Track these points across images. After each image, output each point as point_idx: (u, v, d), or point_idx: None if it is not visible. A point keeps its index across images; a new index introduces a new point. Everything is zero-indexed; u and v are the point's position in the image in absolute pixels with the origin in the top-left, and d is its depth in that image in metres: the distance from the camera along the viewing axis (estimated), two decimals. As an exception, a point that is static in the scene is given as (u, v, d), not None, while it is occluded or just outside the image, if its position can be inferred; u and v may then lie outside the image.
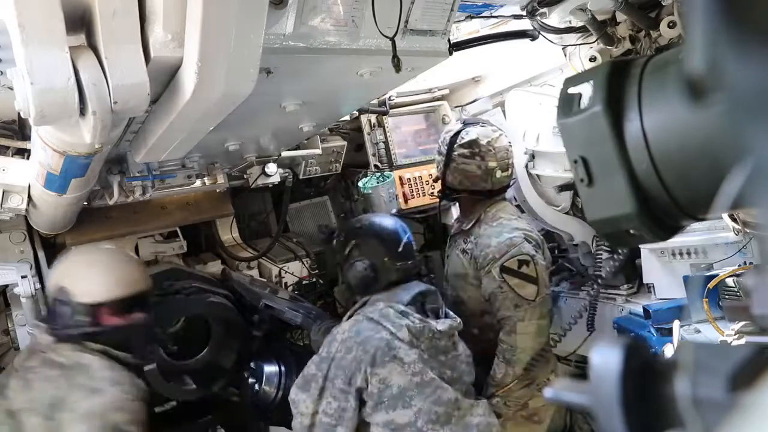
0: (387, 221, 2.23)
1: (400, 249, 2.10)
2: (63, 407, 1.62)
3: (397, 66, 1.39)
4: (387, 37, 1.36)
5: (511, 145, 2.53)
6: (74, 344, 1.76)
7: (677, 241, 2.42)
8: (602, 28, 2.22)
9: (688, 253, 2.48)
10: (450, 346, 2.04)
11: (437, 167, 2.58)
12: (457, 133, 2.46)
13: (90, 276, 1.86)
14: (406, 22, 1.46)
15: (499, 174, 2.44)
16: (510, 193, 2.90)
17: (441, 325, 2.01)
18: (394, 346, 1.86)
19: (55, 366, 1.71)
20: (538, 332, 2.25)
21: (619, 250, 2.36)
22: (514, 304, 2.24)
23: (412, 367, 1.86)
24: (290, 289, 2.91)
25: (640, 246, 2.57)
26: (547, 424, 2.49)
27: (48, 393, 1.65)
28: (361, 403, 1.87)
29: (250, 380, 2.68)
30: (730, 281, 2.03)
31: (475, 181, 2.43)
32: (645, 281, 2.69)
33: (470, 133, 2.45)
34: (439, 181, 2.59)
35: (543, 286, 2.28)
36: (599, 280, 2.47)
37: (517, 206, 2.89)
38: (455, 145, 2.43)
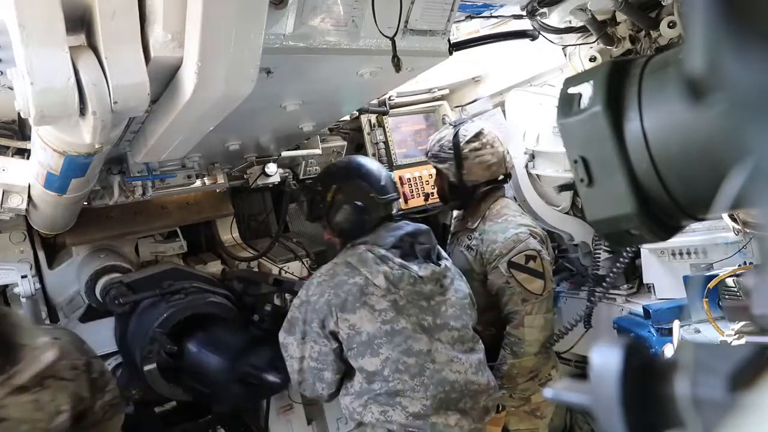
0: (361, 159, 2.19)
1: (382, 182, 2.07)
2: None
3: (397, 66, 1.39)
4: (387, 37, 1.37)
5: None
6: None
7: (677, 241, 2.42)
8: (602, 28, 2.22)
9: (688, 253, 2.48)
10: (437, 290, 1.98)
11: (446, 170, 2.51)
12: (455, 133, 2.47)
13: None
14: (406, 22, 1.46)
15: (508, 158, 2.53)
16: (510, 193, 2.90)
17: (423, 270, 1.95)
18: (367, 292, 1.84)
19: None
20: (544, 325, 2.30)
21: (626, 250, 2.38)
22: (522, 299, 2.28)
23: (382, 315, 1.83)
24: (290, 289, 2.91)
25: (640, 246, 2.58)
26: (548, 420, 2.51)
27: None
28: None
29: None
30: (730, 281, 2.03)
31: (493, 169, 2.46)
32: (645, 281, 2.69)
33: (471, 128, 2.48)
34: (436, 188, 2.61)
35: (549, 280, 2.32)
36: (606, 280, 2.49)
37: (520, 211, 2.90)
38: (462, 143, 2.44)
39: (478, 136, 2.45)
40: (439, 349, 1.90)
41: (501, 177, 2.50)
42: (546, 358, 2.40)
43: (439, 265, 2.03)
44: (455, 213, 2.98)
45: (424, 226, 2.08)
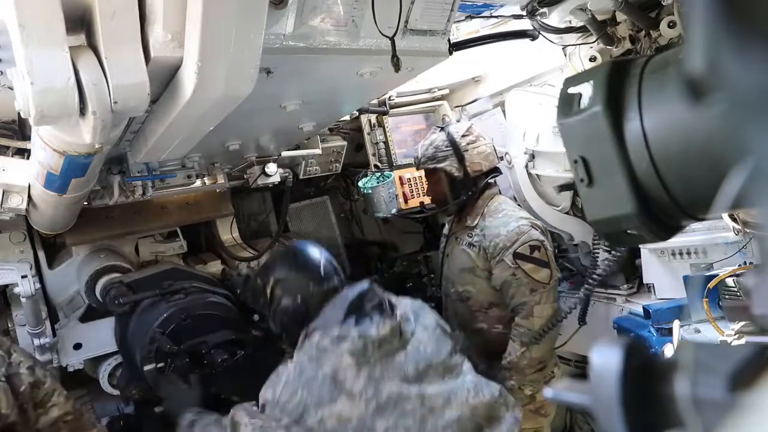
0: (296, 249, 2.11)
1: (322, 271, 1.98)
2: None
3: (396, 65, 1.39)
4: (387, 36, 1.36)
5: None
6: None
7: (677, 241, 2.42)
8: (602, 28, 2.22)
9: (688, 253, 2.48)
10: (405, 339, 1.87)
11: (446, 170, 2.51)
12: (448, 132, 2.53)
13: None
14: (406, 22, 1.46)
15: (496, 149, 2.63)
16: (510, 193, 2.90)
17: (382, 328, 1.83)
18: (340, 379, 1.72)
19: None
20: (553, 315, 2.32)
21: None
22: (530, 289, 2.31)
23: (363, 394, 1.71)
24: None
25: (640, 246, 2.58)
26: (552, 418, 2.52)
27: None
28: None
29: None
30: (730, 281, 2.03)
31: (491, 159, 2.54)
32: (645, 281, 2.69)
33: (460, 126, 2.57)
34: (432, 194, 2.61)
35: (554, 269, 2.38)
36: (593, 278, 2.50)
37: (517, 206, 2.90)
38: (457, 140, 2.49)
39: (469, 130, 2.54)
40: (431, 394, 1.78)
41: (496, 165, 2.59)
42: (553, 350, 2.43)
43: (394, 316, 1.89)
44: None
45: (365, 285, 1.96)
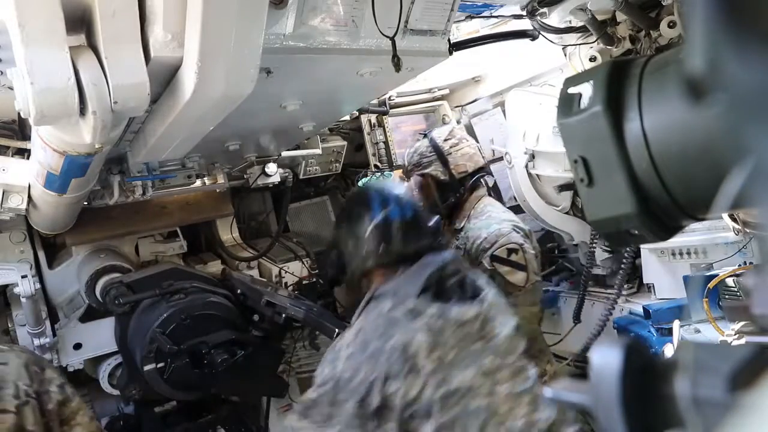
0: (382, 190, 1.92)
1: (408, 219, 1.80)
2: None
3: (397, 65, 1.39)
4: (387, 36, 1.36)
5: None
6: None
7: (677, 241, 2.42)
8: (602, 28, 2.21)
9: (688, 253, 2.48)
10: (489, 330, 1.69)
11: (432, 174, 2.53)
12: (431, 138, 2.57)
13: None
14: (406, 22, 1.46)
15: (480, 149, 2.65)
16: (510, 193, 2.91)
17: (465, 312, 1.66)
18: (410, 355, 1.56)
19: None
20: (530, 319, 2.31)
21: (626, 250, 2.38)
22: (506, 292, 2.24)
23: (432, 378, 1.56)
24: (290, 288, 2.91)
25: (640, 246, 2.58)
26: None
27: None
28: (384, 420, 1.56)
29: None
30: (730, 281, 2.03)
31: (476, 159, 2.57)
32: (645, 281, 2.69)
33: (442, 130, 2.61)
34: (424, 199, 2.58)
35: (532, 272, 2.33)
36: (586, 276, 2.52)
37: (517, 206, 2.90)
38: (440, 144, 2.54)
39: (451, 133, 2.58)
40: (499, 395, 1.61)
41: (483, 165, 2.60)
42: (537, 353, 2.32)
43: (480, 300, 1.73)
44: None
45: (449, 254, 1.80)
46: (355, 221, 1.83)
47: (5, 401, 1.45)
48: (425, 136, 2.62)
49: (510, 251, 2.31)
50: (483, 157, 2.63)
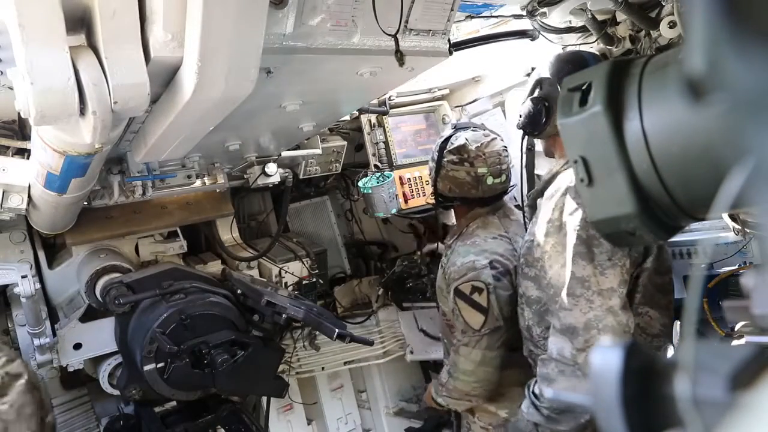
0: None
1: None
2: None
3: (400, 60, 1.39)
4: (389, 35, 1.37)
5: (506, 150, 2.40)
6: None
7: (677, 241, 2.42)
8: (602, 28, 2.21)
9: (688, 254, 2.48)
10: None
11: (429, 174, 2.48)
12: (447, 138, 2.37)
13: None
14: (406, 21, 1.46)
15: (490, 180, 2.30)
16: (510, 193, 2.90)
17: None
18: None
19: None
20: (482, 362, 2.14)
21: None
22: (461, 329, 2.19)
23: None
24: (290, 288, 2.91)
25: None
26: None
27: None
28: None
29: None
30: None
31: (464, 188, 2.31)
32: (645, 281, 2.68)
33: (459, 138, 2.33)
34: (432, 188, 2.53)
35: (492, 317, 2.11)
36: None
37: (517, 206, 2.89)
38: (444, 151, 2.35)
39: (459, 149, 2.30)
40: None
41: (473, 197, 2.33)
42: (497, 396, 2.26)
43: None
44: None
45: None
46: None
47: None
48: (455, 129, 2.41)
49: (474, 289, 2.13)
50: (483, 189, 2.30)
